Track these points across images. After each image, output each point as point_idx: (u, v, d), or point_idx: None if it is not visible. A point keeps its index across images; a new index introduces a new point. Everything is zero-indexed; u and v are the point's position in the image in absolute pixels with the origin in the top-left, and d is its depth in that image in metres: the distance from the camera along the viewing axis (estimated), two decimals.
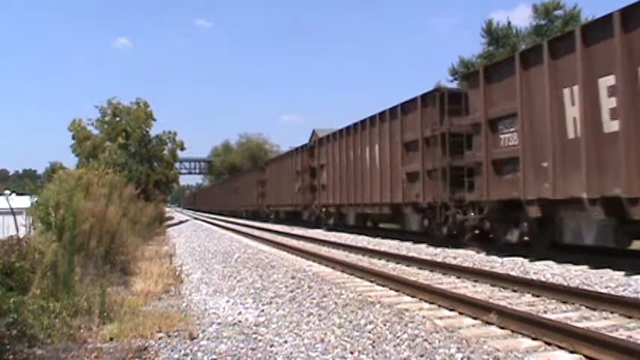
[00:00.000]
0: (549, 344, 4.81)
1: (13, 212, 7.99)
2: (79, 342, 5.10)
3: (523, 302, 6.84)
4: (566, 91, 9.92)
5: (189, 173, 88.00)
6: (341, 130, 21.48)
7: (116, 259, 9.66)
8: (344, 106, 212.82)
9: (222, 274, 10.20)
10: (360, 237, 18.31)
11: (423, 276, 9.30)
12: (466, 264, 10.31)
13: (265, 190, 37.06)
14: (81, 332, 5.35)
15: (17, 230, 7.14)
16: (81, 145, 30.67)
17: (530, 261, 10.57)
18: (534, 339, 4.97)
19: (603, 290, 7.29)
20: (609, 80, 9.01)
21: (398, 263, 11.05)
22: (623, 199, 8.69)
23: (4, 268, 5.19)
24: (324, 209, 24.18)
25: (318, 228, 24.27)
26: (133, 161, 30.59)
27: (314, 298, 7.33)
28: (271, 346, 5.01)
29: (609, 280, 8.10)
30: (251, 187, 41.31)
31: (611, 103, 8.99)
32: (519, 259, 10.81)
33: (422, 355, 4.60)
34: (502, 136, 11.73)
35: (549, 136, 10.25)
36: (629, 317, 5.82)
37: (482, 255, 11.86)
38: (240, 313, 6.52)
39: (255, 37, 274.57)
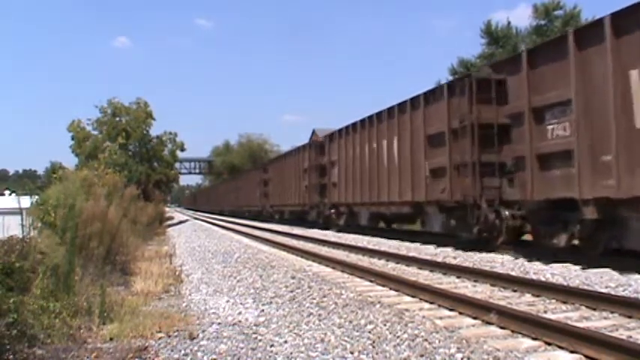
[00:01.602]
0: (549, 344, 4.81)
1: (28, 211, 8.01)
2: (79, 342, 5.10)
3: (523, 302, 6.84)
4: None
5: (190, 173, 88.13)
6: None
7: (116, 259, 9.68)
8: (344, 106, 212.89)
9: (222, 274, 10.20)
10: (366, 238, 18.29)
11: (423, 276, 9.30)
12: (466, 264, 10.31)
13: (268, 189, 35.11)
14: (81, 332, 5.36)
15: (24, 231, 7.15)
16: (81, 145, 30.73)
17: (529, 261, 10.56)
18: (534, 339, 4.98)
19: (603, 290, 7.29)
20: None
21: (398, 263, 11.04)
22: None
23: (4, 268, 5.18)
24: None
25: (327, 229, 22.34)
26: (132, 161, 30.63)
27: (314, 298, 7.33)
28: (271, 346, 5.01)
29: (609, 280, 8.10)
30: (253, 186, 39.20)
31: None
32: (519, 259, 10.80)
33: (422, 355, 4.60)
34: None
35: None
36: (629, 317, 5.82)
37: (482, 254, 11.86)
38: (240, 313, 6.52)
39: (256, 36, 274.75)
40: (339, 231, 21.30)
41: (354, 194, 19.81)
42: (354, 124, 20.13)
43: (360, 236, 18.30)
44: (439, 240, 14.78)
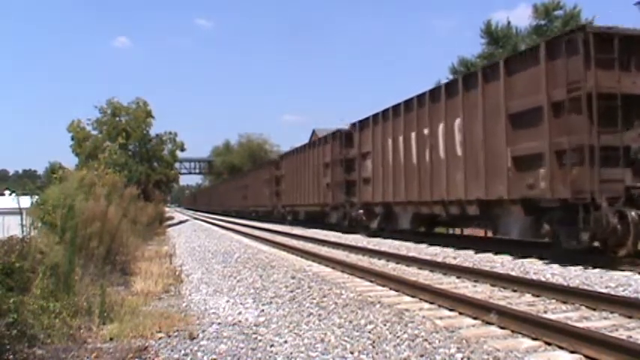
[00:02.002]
0: (549, 344, 4.81)
1: (28, 212, 8.02)
2: (79, 342, 5.10)
3: (523, 302, 6.84)
4: None
5: (190, 173, 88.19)
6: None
7: (116, 259, 9.69)
8: (344, 106, 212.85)
9: (222, 274, 10.20)
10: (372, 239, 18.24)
11: (423, 276, 9.30)
12: (466, 264, 10.31)
13: (280, 187, 31.69)
14: (81, 332, 5.36)
15: (24, 231, 7.15)
16: (81, 145, 30.78)
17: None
18: (534, 339, 4.97)
19: (603, 290, 7.29)
20: None
21: (398, 263, 11.04)
22: None
23: (4, 268, 5.19)
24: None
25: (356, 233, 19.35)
26: (132, 161, 30.66)
27: (314, 298, 7.33)
28: (271, 346, 5.01)
29: (609, 280, 8.10)
30: (263, 184, 35.78)
31: None
32: (519, 259, 10.80)
33: (422, 355, 4.60)
34: None
35: None
36: (629, 317, 5.82)
37: (482, 255, 11.86)
38: (240, 313, 6.52)
39: (256, 36, 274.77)
40: (372, 235, 17.99)
41: (394, 192, 16.36)
42: (395, 107, 16.59)
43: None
44: (440, 241, 14.79)
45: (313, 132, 54.36)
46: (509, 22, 31.54)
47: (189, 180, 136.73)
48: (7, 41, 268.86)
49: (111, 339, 5.27)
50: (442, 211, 14.18)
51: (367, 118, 18.84)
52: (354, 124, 20.22)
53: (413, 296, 7.32)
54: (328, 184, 22.53)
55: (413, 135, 15.45)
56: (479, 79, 12.35)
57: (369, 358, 4.58)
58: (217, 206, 63.24)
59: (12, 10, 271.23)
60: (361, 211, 19.12)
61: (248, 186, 42.66)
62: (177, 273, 9.52)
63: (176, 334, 5.44)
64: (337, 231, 21.04)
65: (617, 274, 8.65)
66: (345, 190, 20.62)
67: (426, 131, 14.72)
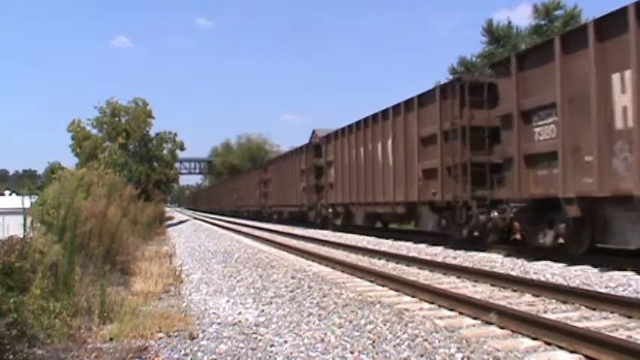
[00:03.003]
0: (549, 344, 4.81)
1: (28, 212, 8.01)
2: (79, 342, 5.10)
3: (523, 302, 6.84)
4: None
5: (190, 173, 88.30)
6: None
7: (116, 259, 9.68)
8: (344, 107, 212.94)
9: (222, 274, 10.20)
10: (361, 237, 18.20)
11: (423, 276, 9.30)
12: (466, 264, 10.31)
13: (325, 180, 23.24)
14: (81, 332, 5.35)
15: (25, 231, 7.15)
16: (81, 145, 30.80)
17: (530, 261, 10.55)
18: (534, 339, 4.98)
19: (603, 290, 7.30)
20: None
21: (398, 263, 11.05)
22: None
23: (4, 268, 5.18)
24: None
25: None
26: (132, 161, 30.67)
27: (314, 298, 7.33)
28: (271, 346, 5.01)
29: (609, 280, 8.11)
30: (295, 177, 27.60)
31: None
32: (520, 259, 10.79)
33: (422, 355, 4.60)
34: None
35: None
36: (629, 317, 5.82)
37: (482, 255, 11.86)
38: (240, 313, 6.52)
39: (256, 36, 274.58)
40: (536, 257, 10.48)
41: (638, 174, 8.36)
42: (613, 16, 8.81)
43: (360, 236, 17.40)
44: (438, 240, 14.76)
45: (313, 132, 54.34)
46: (509, 22, 31.61)
47: (189, 180, 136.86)
48: (6, 41, 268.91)
49: (111, 339, 5.27)
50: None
51: (548, 43, 10.37)
52: (499, 64, 11.85)
53: (413, 296, 7.32)
54: (428, 171, 14.33)
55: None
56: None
57: (369, 358, 4.58)
58: (226, 206, 56.64)
59: (11, 9, 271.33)
60: (496, 213, 11.81)
61: (270, 181, 34.44)
62: (177, 273, 9.52)
63: (176, 334, 5.44)
64: (435, 244, 14.06)
65: (617, 274, 8.66)
66: (471, 180, 12.64)
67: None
